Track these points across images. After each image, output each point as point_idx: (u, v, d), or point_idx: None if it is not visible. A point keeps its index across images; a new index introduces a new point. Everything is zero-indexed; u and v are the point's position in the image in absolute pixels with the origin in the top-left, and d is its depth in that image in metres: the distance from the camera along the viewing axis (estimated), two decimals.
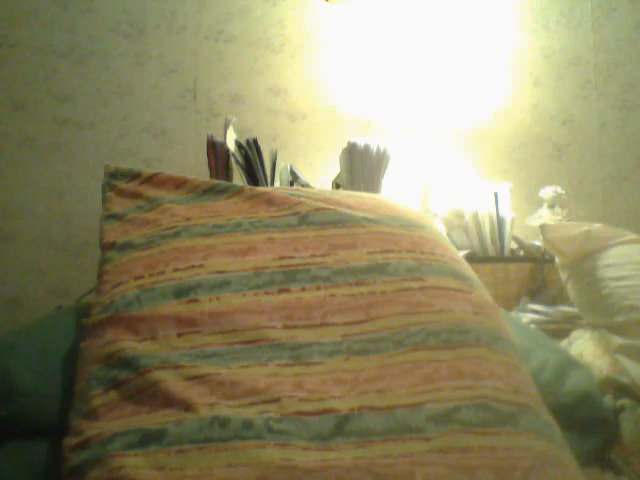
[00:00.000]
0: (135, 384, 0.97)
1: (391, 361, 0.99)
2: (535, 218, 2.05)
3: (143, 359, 0.99)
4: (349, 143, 1.88)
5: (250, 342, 1.02)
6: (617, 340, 1.36)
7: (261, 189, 1.33)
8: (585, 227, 1.51)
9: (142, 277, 1.13)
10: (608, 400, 1.25)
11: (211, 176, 1.76)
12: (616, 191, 2.40)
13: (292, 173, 1.83)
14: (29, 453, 1.02)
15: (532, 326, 1.65)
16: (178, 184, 1.35)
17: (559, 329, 1.63)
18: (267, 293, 1.10)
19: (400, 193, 2.03)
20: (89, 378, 1.00)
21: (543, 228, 1.59)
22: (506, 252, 2.04)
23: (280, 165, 1.82)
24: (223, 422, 0.88)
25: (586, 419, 1.20)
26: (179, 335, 1.04)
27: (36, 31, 2.19)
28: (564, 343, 1.52)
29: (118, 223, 1.27)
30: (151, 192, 1.33)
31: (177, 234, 1.21)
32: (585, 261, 1.49)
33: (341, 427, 0.89)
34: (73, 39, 2.21)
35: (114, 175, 1.38)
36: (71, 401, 1.01)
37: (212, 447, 0.85)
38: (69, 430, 0.95)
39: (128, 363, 1.00)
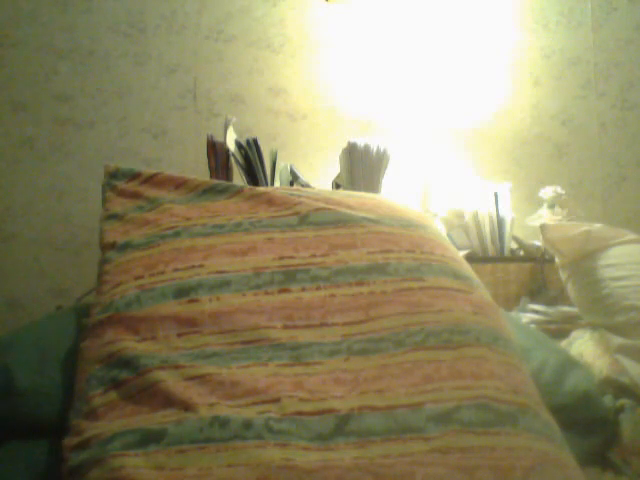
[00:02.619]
0: (135, 384, 0.97)
1: (391, 361, 0.99)
2: (535, 218, 2.05)
3: (143, 359, 0.99)
4: (349, 143, 1.88)
5: (250, 342, 1.02)
6: (617, 340, 1.36)
7: (261, 189, 1.33)
8: (585, 227, 1.51)
9: (142, 277, 1.13)
10: (608, 400, 1.25)
11: (211, 176, 1.76)
12: (616, 191, 2.40)
13: (292, 173, 1.83)
14: (29, 453, 1.02)
15: (532, 326, 1.64)
16: (178, 184, 1.34)
17: (559, 329, 1.62)
18: (267, 293, 1.10)
19: (400, 193, 2.02)
20: (89, 378, 1.00)
21: (543, 228, 1.59)
22: (506, 252, 2.04)
23: (280, 165, 1.82)
24: (223, 422, 0.88)
25: (586, 419, 1.20)
26: (179, 335, 1.04)
27: (36, 31, 2.19)
28: (564, 343, 1.52)
29: (118, 223, 1.27)
30: (151, 192, 1.33)
31: (177, 234, 1.20)
32: (585, 261, 1.49)
33: (341, 427, 0.89)
34: (73, 39, 2.21)
35: (114, 175, 1.38)
36: (71, 401, 1.01)
37: (212, 447, 0.85)
38: (69, 430, 0.95)
39: (128, 363, 1.00)
